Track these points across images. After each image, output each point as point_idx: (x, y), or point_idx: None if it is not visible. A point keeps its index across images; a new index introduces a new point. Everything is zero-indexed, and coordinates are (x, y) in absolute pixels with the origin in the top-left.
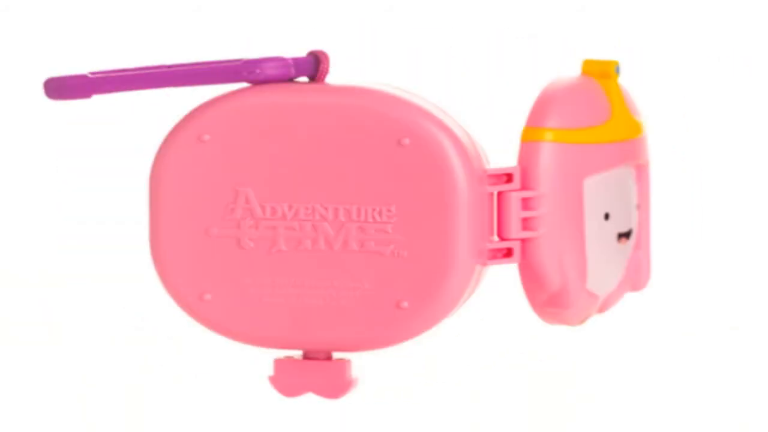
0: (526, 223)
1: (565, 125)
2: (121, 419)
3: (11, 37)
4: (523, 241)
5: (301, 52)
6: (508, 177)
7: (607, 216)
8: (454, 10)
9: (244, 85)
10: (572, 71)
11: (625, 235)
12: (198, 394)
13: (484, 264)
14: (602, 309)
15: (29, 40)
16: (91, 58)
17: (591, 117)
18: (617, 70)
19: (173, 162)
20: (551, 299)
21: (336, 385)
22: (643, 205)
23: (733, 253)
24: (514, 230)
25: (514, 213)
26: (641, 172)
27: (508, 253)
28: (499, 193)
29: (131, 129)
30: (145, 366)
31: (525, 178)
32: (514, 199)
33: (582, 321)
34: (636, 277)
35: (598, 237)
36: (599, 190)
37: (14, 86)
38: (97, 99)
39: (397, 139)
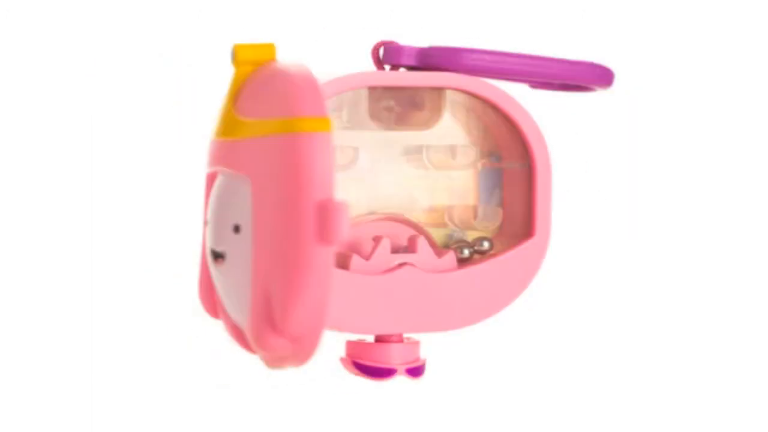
0: None
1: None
2: (121, 419)
3: (10, 37)
4: None
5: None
6: None
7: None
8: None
9: None
10: None
11: (219, 256)
12: (198, 394)
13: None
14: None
15: (29, 39)
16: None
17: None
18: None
19: None
20: None
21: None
22: (255, 236)
23: (731, 253)
24: None
25: None
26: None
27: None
28: None
29: (131, 129)
30: (145, 366)
31: None
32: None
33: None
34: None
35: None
36: (217, 194)
37: (14, 85)
38: (96, 99)
39: None
